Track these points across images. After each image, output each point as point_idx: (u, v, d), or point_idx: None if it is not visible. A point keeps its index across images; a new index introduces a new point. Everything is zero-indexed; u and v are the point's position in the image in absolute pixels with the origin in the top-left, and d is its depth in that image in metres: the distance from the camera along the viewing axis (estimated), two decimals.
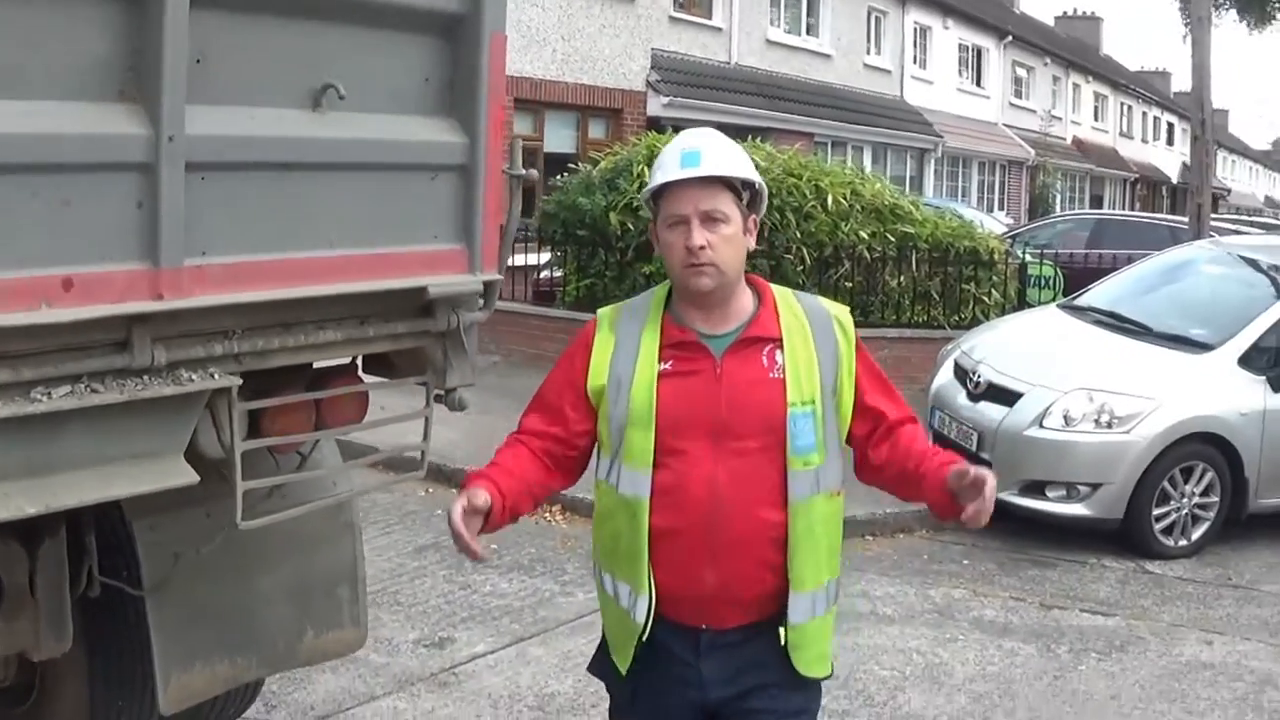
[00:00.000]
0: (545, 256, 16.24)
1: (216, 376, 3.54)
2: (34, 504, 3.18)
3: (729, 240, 3.11)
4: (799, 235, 14.32)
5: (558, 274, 16.16)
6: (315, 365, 4.16)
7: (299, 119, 3.64)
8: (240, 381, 3.61)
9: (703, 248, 3.06)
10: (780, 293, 3.31)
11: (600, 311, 3.39)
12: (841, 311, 3.33)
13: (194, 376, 3.49)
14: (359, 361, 4.41)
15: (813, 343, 3.20)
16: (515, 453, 3.30)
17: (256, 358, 3.71)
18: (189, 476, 3.52)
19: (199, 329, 3.51)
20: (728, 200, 3.12)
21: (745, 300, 3.24)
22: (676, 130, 16.16)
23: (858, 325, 3.34)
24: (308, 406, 4.10)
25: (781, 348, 3.18)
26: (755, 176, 3.20)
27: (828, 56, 33.06)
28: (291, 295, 3.69)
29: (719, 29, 28.30)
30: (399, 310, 4.10)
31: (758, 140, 15.99)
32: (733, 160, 3.16)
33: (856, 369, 3.26)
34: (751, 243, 3.21)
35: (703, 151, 3.13)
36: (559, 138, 22.85)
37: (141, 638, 4.20)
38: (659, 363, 3.15)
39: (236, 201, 3.50)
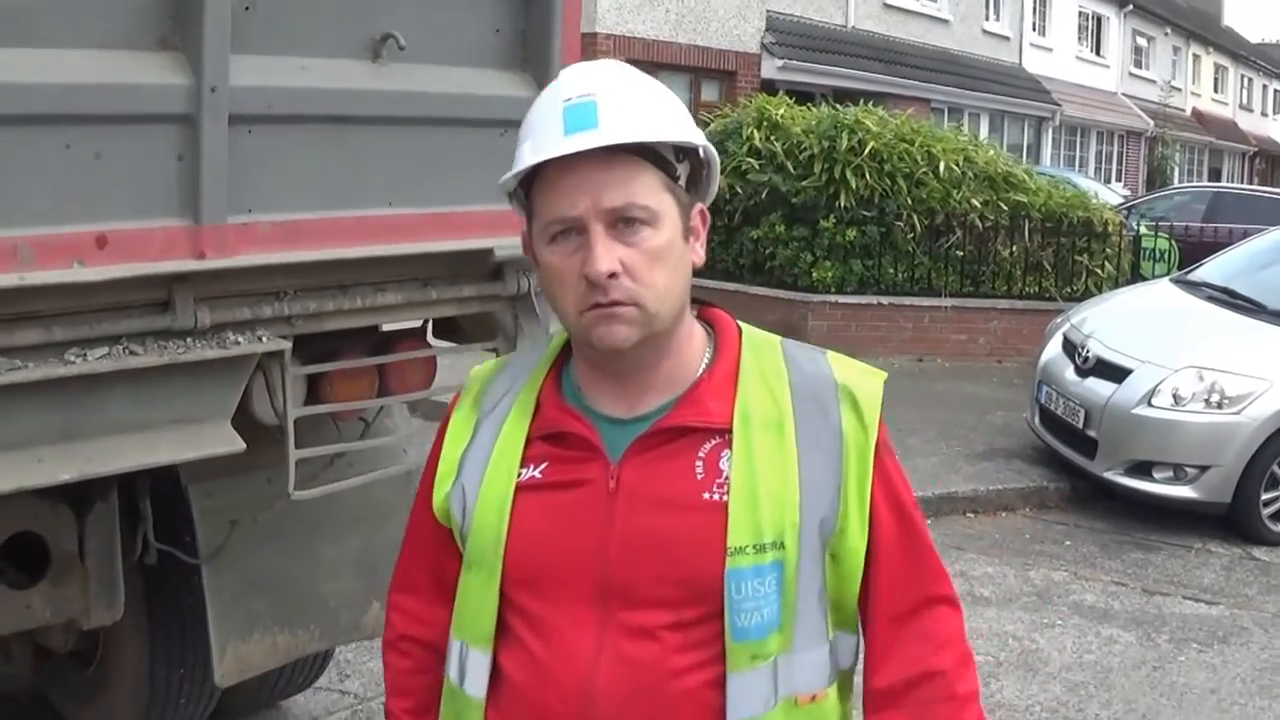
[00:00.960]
0: None
1: (265, 339, 3.38)
2: (69, 470, 3.05)
3: (658, 257, 1.79)
4: (910, 202, 14.01)
5: None
6: (383, 329, 4.00)
7: (356, 70, 3.46)
8: (290, 345, 3.44)
9: (613, 275, 1.75)
10: (756, 343, 1.98)
11: (472, 373, 2.14)
12: (863, 380, 1.93)
13: (240, 339, 3.33)
14: (428, 326, 4.24)
15: (793, 437, 1.85)
16: (413, 679, 2.13)
17: (310, 320, 3.55)
18: (234, 444, 3.37)
19: (246, 290, 3.36)
20: (652, 185, 1.78)
21: (687, 358, 1.91)
22: (792, 96, 16.12)
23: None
24: (370, 372, 3.94)
25: (730, 445, 1.84)
26: (697, 137, 1.86)
27: (945, 21, 32.30)
28: (346, 255, 3.52)
29: None
30: (465, 273, 3.91)
31: (870, 104, 15.61)
32: (653, 112, 1.81)
33: (873, 491, 1.88)
34: (700, 256, 1.91)
35: (599, 100, 1.75)
36: None
37: (199, 607, 4.08)
38: (520, 467, 1.90)
39: (286, 157, 3.33)
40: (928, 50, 30.73)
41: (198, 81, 3.07)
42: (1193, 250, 15.17)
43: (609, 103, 1.76)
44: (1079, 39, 42.42)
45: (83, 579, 3.87)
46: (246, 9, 3.16)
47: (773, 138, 14.31)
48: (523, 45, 3.87)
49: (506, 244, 3.83)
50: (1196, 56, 52.97)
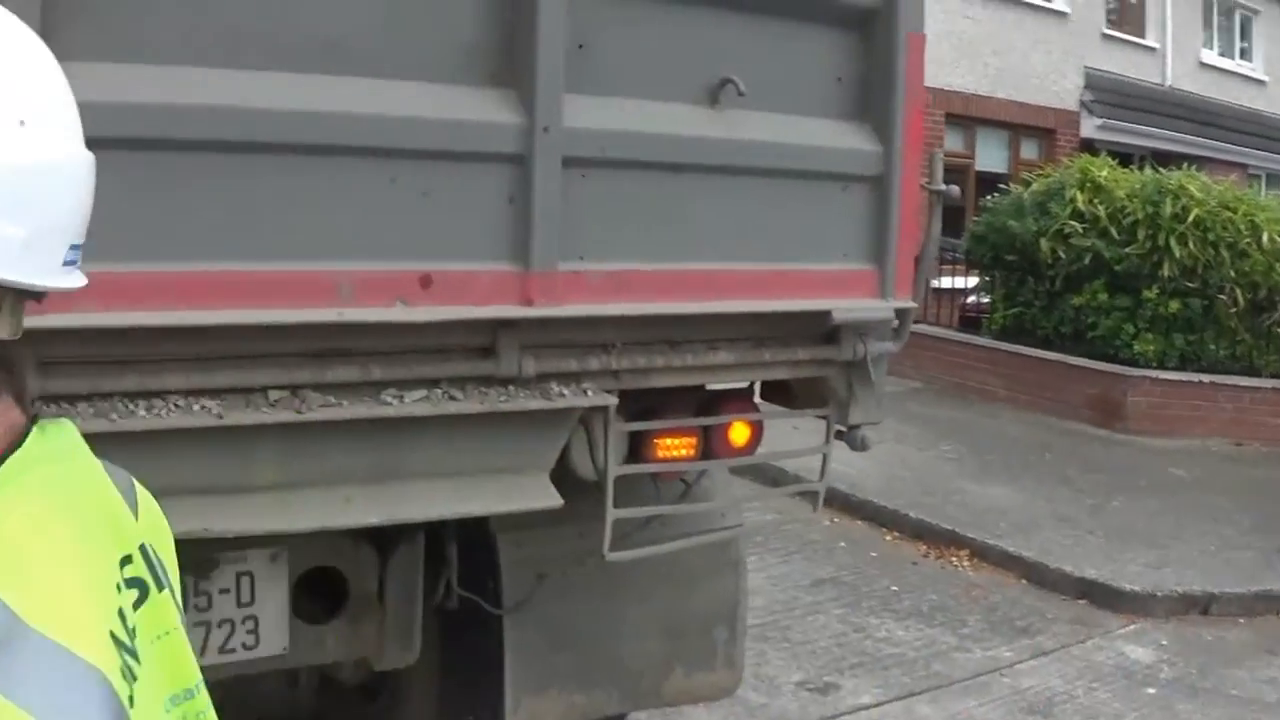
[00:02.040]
0: (973, 280, 15.51)
1: (590, 393, 3.24)
2: (376, 513, 2.97)
3: None
4: (1233, 274, 13.03)
5: (985, 300, 15.40)
6: (707, 388, 3.82)
7: (693, 115, 3.30)
8: (615, 400, 3.28)
9: None
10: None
11: None
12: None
13: (565, 391, 3.19)
14: (756, 388, 4.03)
15: None
16: None
17: (637, 376, 3.39)
18: (552, 499, 3.23)
19: (573, 340, 3.22)
20: None
21: None
22: (1114, 157, 15.39)
23: None
24: (695, 433, 3.75)
25: None
26: None
27: (1261, 82, 30.27)
28: (679, 310, 3.35)
29: (1152, 48, 26.34)
30: (799, 334, 3.69)
31: (1192, 169, 14.69)
32: None
33: None
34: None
35: None
36: (990, 156, 21.88)
37: (496, 657, 3.97)
38: None
39: (620, 203, 3.19)
40: (1243, 112, 28.84)
41: (530, 120, 2.96)
42: None
43: None
44: None
45: (380, 619, 3.82)
46: (580, 47, 3.04)
47: (1096, 200, 13.58)
48: (864, 96, 3.65)
49: (846, 306, 3.60)
50: None
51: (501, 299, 2.99)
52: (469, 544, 3.92)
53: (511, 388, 3.11)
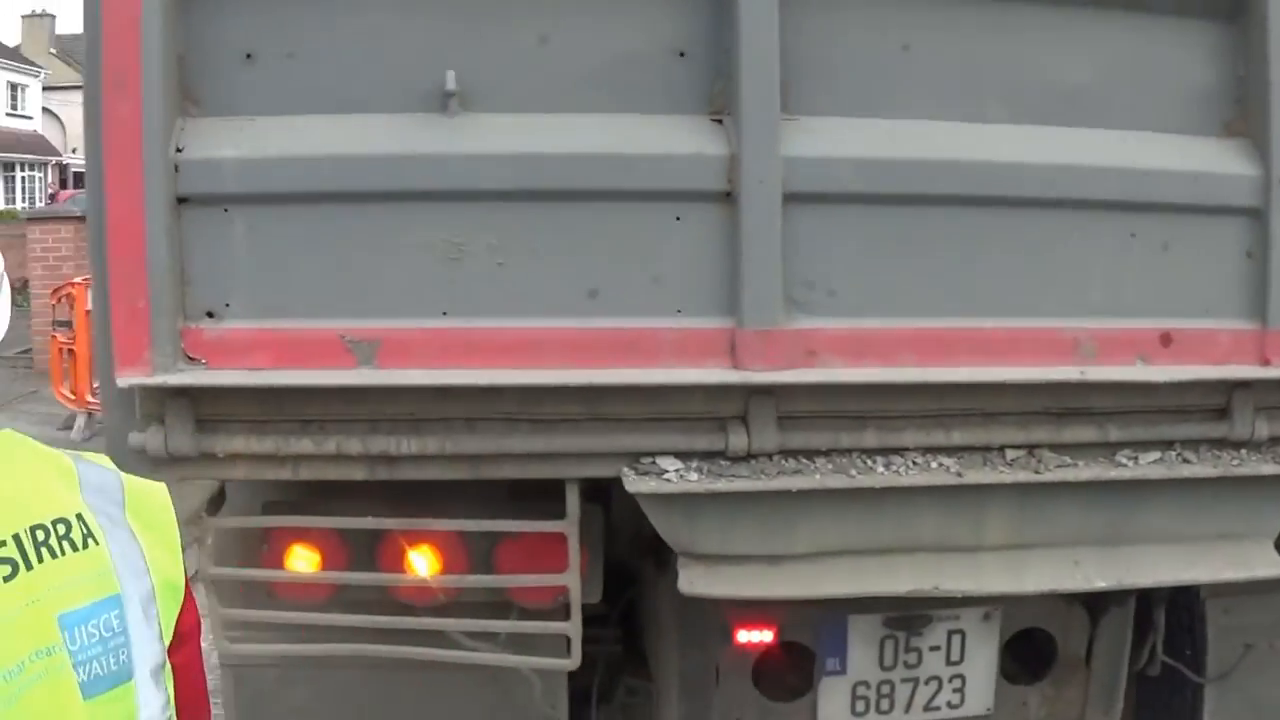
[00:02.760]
0: None
1: None
2: (1105, 578, 2.92)
3: None
4: None
5: None
6: None
7: None
8: None
9: None
10: None
11: None
12: None
13: None
14: None
15: None
16: None
17: None
18: (1276, 568, 3.05)
19: None
20: None
21: None
22: None
23: None
24: None
25: None
26: None
27: None
28: None
29: None
30: None
31: None
32: None
33: None
34: None
35: None
36: None
37: None
38: None
39: None
40: None
41: (1266, 171, 2.85)
42: None
43: None
44: None
45: (1084, 683, 3.71)
46: None
47: None
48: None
49: None
50: None
51: (1238, 358, 2.88)
52: (1174, 608, 3.75)
53: (1243, 451, 2.97)
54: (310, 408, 2.85)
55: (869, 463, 2.88)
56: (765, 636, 3.27)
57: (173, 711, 1.56)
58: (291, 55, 2.81)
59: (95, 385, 10.71)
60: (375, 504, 3.02)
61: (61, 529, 1.47)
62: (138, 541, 1.55)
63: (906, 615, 3.28)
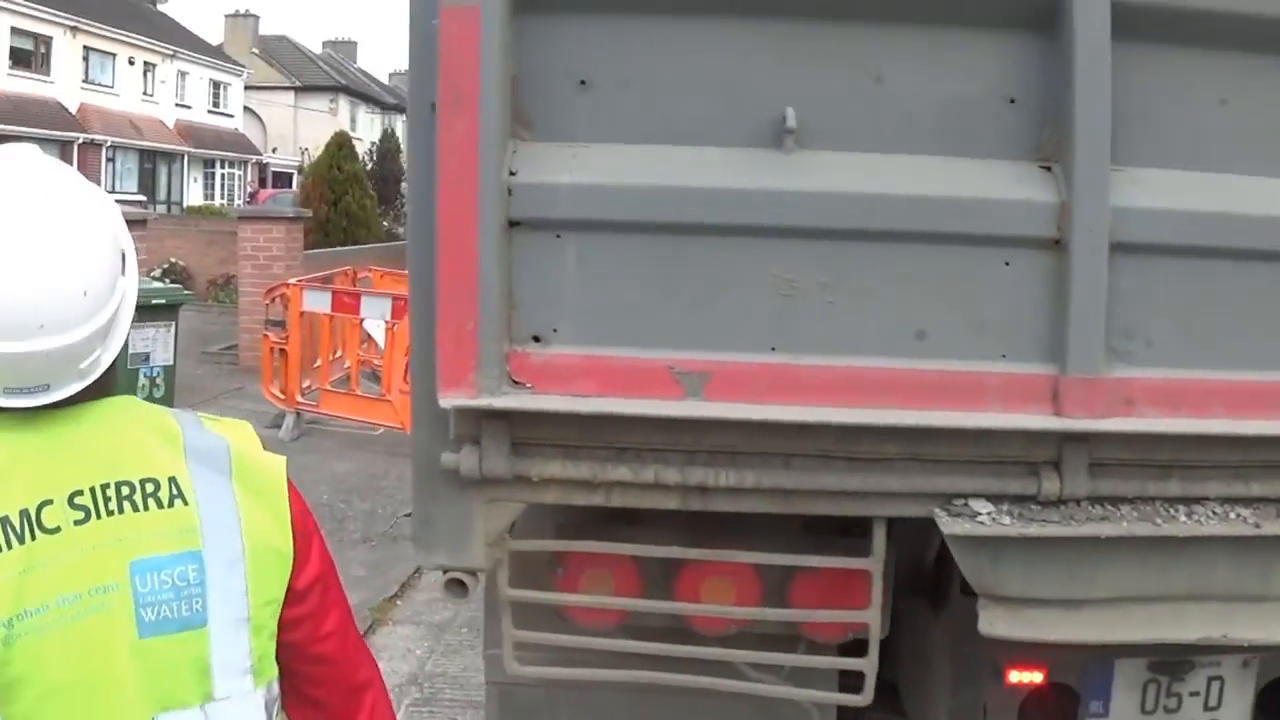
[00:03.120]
0: None
1: None
2: None
3: None
4: None
5: None
6: None
7: None
8: None
9: None
10: None
11: None
12: None
13: None
14: None
15: None
16: None
17: None
18: None
19: None
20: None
21: None
22: None
23: None
24: None
25: None
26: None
27: None
28: None
29: None
30: None
31: None
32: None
33: None
34: None
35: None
36: None
37: None
38: None
39: None
40: None
41: None
42: None
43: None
44: None
45: None
46: None
47: None
48: None
49: None
50: None
51: None
52: None
53: None
54: (628, 435, 2.85)
55: (1172, 511, 2.91)
56: (1035, 677, 3.30)
57: (259, 662, 1.73)
58: (626, 83, 2.81)
59: (305, 385, 10.88)
60: (664, 532, 3.02)
61: (150, 487, 1.67)
62: (237, 506, 1.73)
63: (1171, 660, 3.31)
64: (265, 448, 1.90)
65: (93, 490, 1.64)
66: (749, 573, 3.03)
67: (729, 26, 2.80)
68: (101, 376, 1.70)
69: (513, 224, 2.77)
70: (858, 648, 3.08)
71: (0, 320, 1.57)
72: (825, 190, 2.77)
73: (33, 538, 1.58)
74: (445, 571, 2.97)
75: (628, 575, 3.06)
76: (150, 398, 8.90)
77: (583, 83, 2.82)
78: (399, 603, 7.09)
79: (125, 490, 1.65)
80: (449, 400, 2.76)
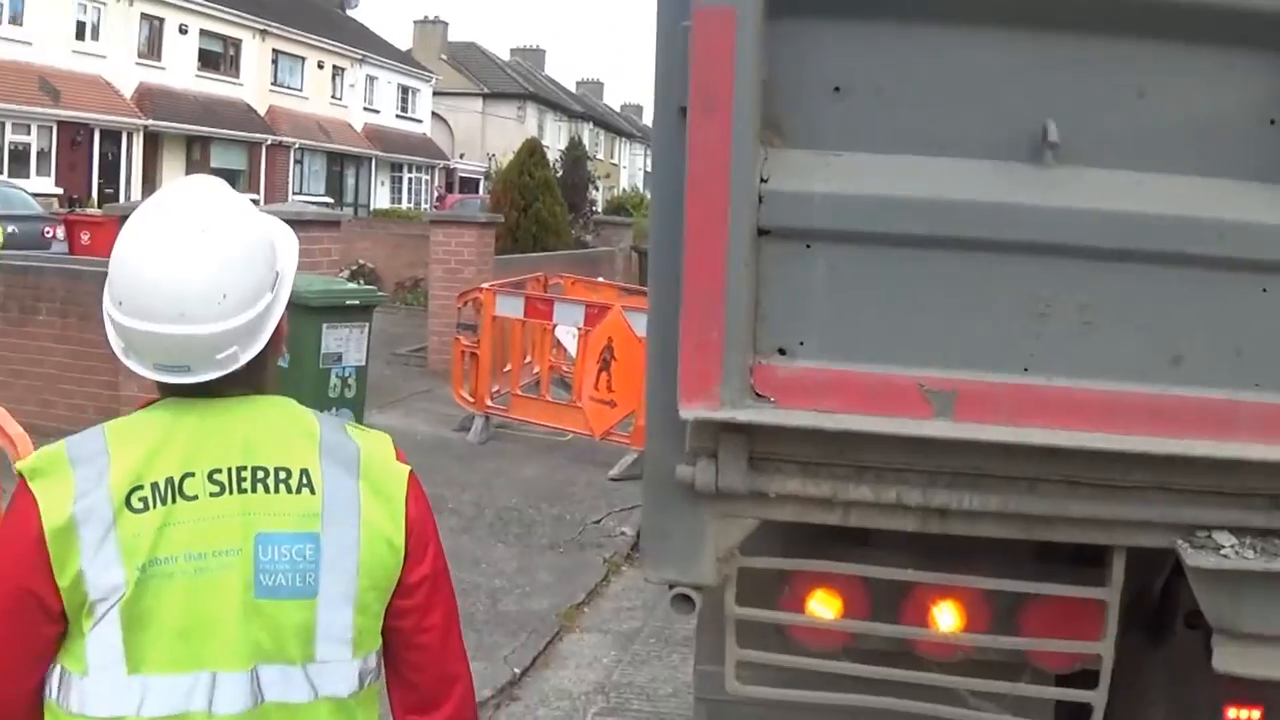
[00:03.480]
0: None
1: None
2: None
3: None
4: None
5: None
6: None
7: None
8: None
9: None
10: None
11: None
12: None
13: None
14: None
15: None
16: None
17: None
18: None
19: None
20: None
21: None
22: None
23: None
24: None
25: None
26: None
27: None
28: None
29: None
30: None
31: None
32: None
33: None
34: None
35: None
36: None
37: None
38: None
39: None
40: None
41: None
42: None
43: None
44: None
45: None
46: None
47: None
48: None
49: None
50: None
51: None
52: None
53: None
54: (870, 454, 2.77)
55: None
56: (1254, 715, 3.22)
57: (359, 636, 1.98)
58: (881, 91, 2.74)
59: (495, 389, 10.93)
60: (892, 553, 2.95)
61: (282, 474, 1.95)
62: (359, 499, 1.98)
63: None
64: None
65: (229, 470, 1.92)
66: (979, 598, 2.95)
67: (988, 35, 2.73)
68: (252, 376, 1.99)
69: (762, 232, 2.70)
70: (1078, 679, 3.01)
71: (149, 305, 1.88)
72: (1085, 207, 2.69)
73: (174, 501, 1.88)
74: (672, 586, 2.89)
75: (857, 596, 2.99)
76: (342, 398, 9.03)
77: (837, 89, 2.74)
78: (586, 610, 7.03)
79: (260, 474, 1.93)
80: (690, 412, 2.68)
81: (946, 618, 2.96)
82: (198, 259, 1.89)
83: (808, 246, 2.72)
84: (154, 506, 1.87)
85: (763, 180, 2.69)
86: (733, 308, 2.67)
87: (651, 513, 2.90)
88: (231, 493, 1.91)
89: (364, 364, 9.35)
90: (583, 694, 5.82)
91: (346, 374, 9.22)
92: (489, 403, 11.03)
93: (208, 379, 1.93)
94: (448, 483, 9.11)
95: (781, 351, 2.74)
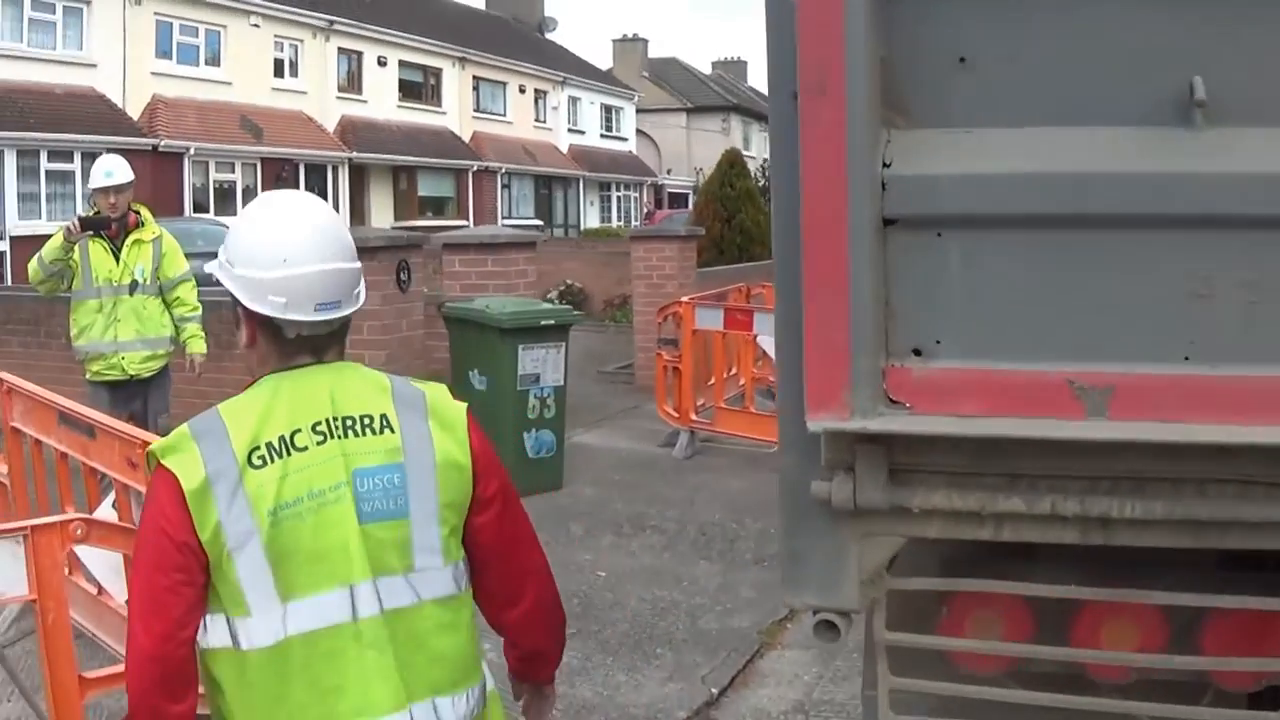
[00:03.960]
0: None
1: None
2: None
3: None
4: None
5: None
6: None
7: None
8: None
9: None
10: None
11: None
12: None
13: None
14: None
15: None
16: None
17: None
18: None
19: None
20: None
21: None
22: None
23: None
24: None
25: None
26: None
27: None
28: None
29: None
30: None
31: None
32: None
33: None
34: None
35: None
36: None
37: None
38: None
39: None
40: None
41: None
42: None
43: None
44: None
45: None
46: None
47: None
48: None
49: None
50: None
51: None
52: None
53: None
54: (1023, 461, 2.51)
55: None
56: None
57: (446, 544, 2.38)
58: (1012, 59, 2.48)
59: (699, 403, 11.03)
60: (1056, 569, 2.67)
61: (367, 420, 2.36)
62: (430, 434, 2.39)
63: None
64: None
65: (328, 420, 2.34)
66: (1156, 614, 2.66)
67: None
68: (340, 345, 2.44)
69: (888, 222, 2.47)
70: (1268, 698, 2.70)
71: (318, 248, 2.34)
72: (1244, 171, 2.36)
73: (289, 454, 2.28)
74: (815, 612, 2.68)
75: (1020, 618, 2.72)
76: (541, 418, 9.20)
77: (962, 60, 2.49)
78: (788, 626, 6.76)
79: (350, 422, 2.35)
80: (818, 423, 2.48)
81: (1121, 637, 2.66)
82: (329, 215, 2.44)
83: (939, 235, 2.48)
84: (272, 461, 2.26)
85: (885, 165, 2.46)
86: (859, 306, 2.45)
87: (789, 533, 2.69)
88: (332, 438, 2.32)
89: (562, 384, 9.32)
90: (781, 713, 5.60)
91: (545, 394, 9.20)
92: (693, 417, 10.92)
93: (347, 314, 2.40)
94: (651, 500, 9.00)
95: (916, 352, 2.50)
